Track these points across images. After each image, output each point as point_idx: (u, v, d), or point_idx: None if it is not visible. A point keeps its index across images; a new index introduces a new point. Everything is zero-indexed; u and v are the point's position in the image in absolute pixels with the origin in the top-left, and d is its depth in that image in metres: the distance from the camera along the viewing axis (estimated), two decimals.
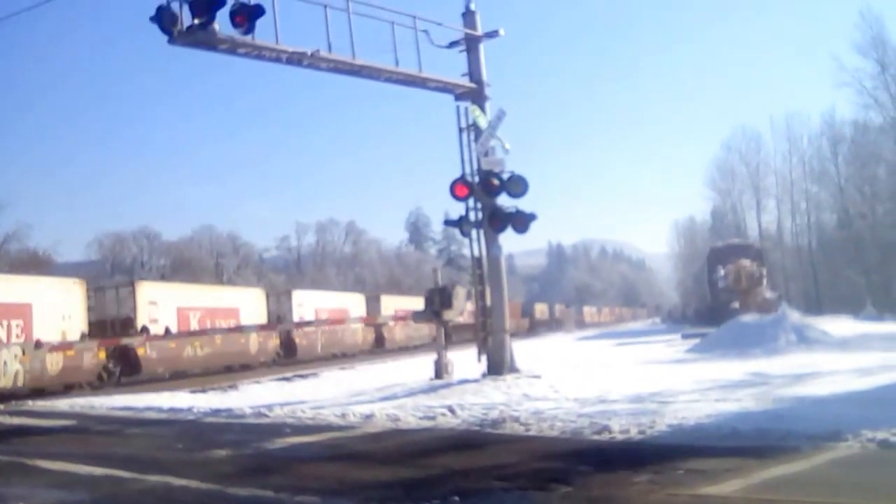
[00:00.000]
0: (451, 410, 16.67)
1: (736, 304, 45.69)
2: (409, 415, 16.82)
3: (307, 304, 53.74)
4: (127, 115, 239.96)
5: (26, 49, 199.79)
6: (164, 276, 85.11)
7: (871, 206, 77.22)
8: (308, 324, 45.14)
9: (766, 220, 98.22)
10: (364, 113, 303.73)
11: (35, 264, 68.27)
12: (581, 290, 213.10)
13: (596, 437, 12.76)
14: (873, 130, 77.28)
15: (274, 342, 46.90)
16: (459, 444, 13.46)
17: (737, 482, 9.13)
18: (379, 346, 59.96)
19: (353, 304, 60.43)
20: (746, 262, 50.88)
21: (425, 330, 57.30)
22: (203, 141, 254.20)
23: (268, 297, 50.60)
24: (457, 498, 9.19)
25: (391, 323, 59.04)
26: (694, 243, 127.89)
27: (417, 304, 57.08)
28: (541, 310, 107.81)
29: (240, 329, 41.31)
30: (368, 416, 17.12)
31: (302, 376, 32.04)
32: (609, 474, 10.10)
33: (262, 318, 46.45)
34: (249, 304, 47.44)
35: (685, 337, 43.24)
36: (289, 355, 48.40)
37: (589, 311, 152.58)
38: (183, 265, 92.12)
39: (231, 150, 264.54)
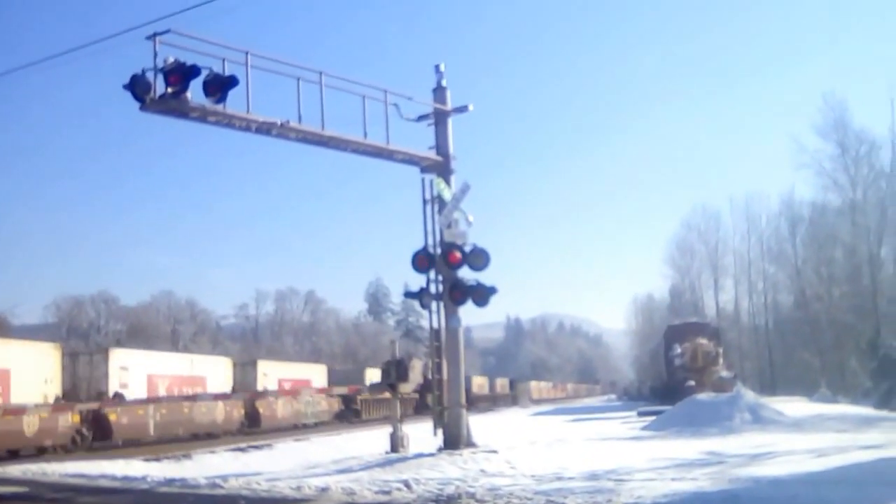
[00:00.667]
0: (407, 485, 16.46)
1: (692, 383, 45.61)
2: (365, 489, 16.61)
3: (271, 373, 54.14)
4: (91, 181, 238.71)
5: None
6: (119, 342, 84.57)
7: (828, 288, 77.59)
8: (271, 393, 45.47)
9: (724, 299, 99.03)
10: (327, 185, 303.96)
11: None
12: (537, 365, 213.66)
13: None
14: (831, 212, 77.89)
15: (239, 411, 46.31)
16: None
17: None
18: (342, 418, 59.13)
19: (315, 374, 61.11)
20: (703, 341, 50.98)
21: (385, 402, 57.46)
22: (165, 208, 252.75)
23: (234, 365, 51.13)
24: None
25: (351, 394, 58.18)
26: (652, 320, 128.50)
27: (374, 375, 57.75)
28: (501, 384, 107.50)
29: (208, 397, 41.47)
30: (324, 489, 16.85)
31: (257, 447, 31.65)
32: None
33: (227, 387, 46.92)
34: (216, 373, 48.12)
35: (641, 414, 43.22)
36: (253, 424, 47.94)
37: (545, 386, 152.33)
38: (139, 330, 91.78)
39: (194, 217, 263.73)
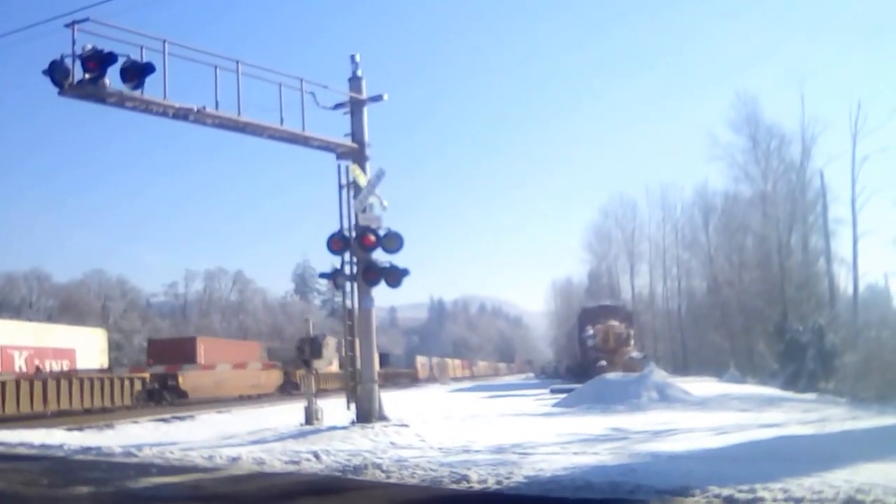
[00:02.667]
0: (316, 456, 16.45)
1: (603, 363, 46.07)
2: (276, 458, 16.56)
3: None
4: (20, 156, 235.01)
5: None
6: (51, 318, 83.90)
7: (739, 274, 79.11)
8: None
9: (639, 284, 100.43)
10: (257, 167, 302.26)
11: None
12: (459, 344, 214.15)
13: (454, 487, 12.61)
14: (743, 202, 79.49)
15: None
16: (318, 489, 13.30)
17: None
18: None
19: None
20: (615, 323, 51.54)
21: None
22: (99, 187, 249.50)
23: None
24: None
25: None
26: (570, 303, 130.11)
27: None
28: (421, 362, 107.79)
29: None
30: (235, 459, 16.81)
31: (180, 418, 31.54)
32: None
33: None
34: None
35: (553, 391, 43.55)
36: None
37: (465, 363, 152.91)
38: (70, 307, 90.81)
39: (127, 196, 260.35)
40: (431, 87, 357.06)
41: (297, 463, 16.01)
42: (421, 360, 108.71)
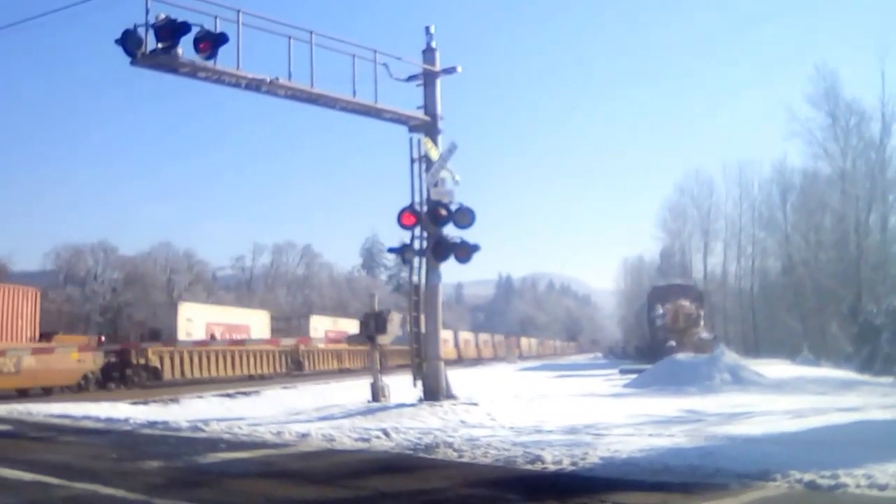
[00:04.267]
0: (386, 433, 16.44)
1: (672, 343, 45.82)
2: (345, 435, 16.58)
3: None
4: (92, 129, 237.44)
5: None
6: (115, 290, 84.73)
7: (815, 253, 77.79)
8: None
9: (712, 263, 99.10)
10: (328, 140, 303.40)
11: None
12: (525, 322, 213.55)
13: (528, 467, 12.54)
14: (822, 180, 77.95)
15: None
16: (390, 467, 13.27)
17: None
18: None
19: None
20: (685, 303, 51.22)
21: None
22: (167, 159, 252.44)
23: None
24: None
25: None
26: (640, 282, 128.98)
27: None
28: (484, 340, 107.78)
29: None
30: (304, 435, 16.89)
31: (245, 393, 31.78)
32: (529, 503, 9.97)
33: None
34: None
35: (623, 372, 43.31)
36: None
37: (533, 342, 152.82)
38: (136, 279, 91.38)
39: (196, 169, 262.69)
40: (504, 58, 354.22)
41: (367, 440, 16.01)
42: (483, 338, 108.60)
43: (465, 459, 13.54)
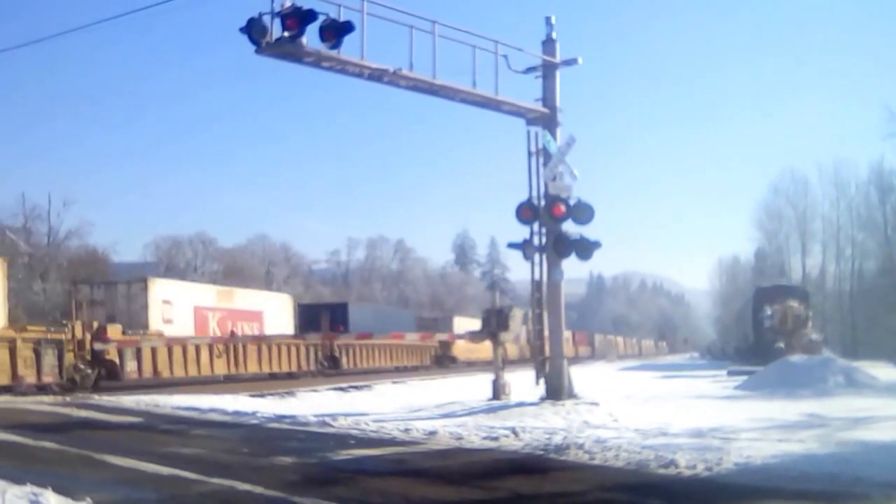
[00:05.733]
0: (514, 433, 16.31)
1: (781, 345, 45.18)
2: (472, 434, 16.54)
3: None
4: (195, 123, 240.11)
5: (103, 51, 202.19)
6: (216, 282, 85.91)
7: None
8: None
9: (810, 264, 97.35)
10: (418, 135, 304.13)
11: (93, 262, 69.03)
12: (618, 321, 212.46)
13: (662, 472, 12.32)
14: None
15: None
16: (524, 468, 13.17)
17: None
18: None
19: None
20: (794, 304, 50.52)
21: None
22: (263, 154, 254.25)
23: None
24: None
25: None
26: (735, 282, 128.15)
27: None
28: (581, 339, 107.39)
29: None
30: (432, 433, 16.86)
31: (357, 388, 31.96)
32: None
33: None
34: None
35: (731, 374, 42.51)
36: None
37: (630, 342, 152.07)
38: (235, 271, 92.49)
39: (290, 164, 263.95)
40: (621, 51, 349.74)
41: (495, 439, 15.92)
42: (580, 336, 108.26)
43: (596, 462, 13.35)
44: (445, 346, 59.84)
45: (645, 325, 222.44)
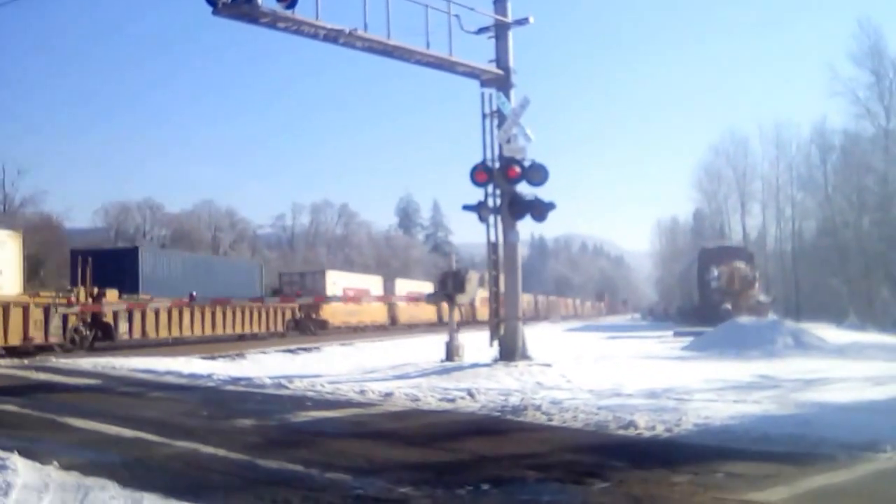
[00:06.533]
0: (470, 394, 16.24)
1: (728, 306, 45.51)
2: (428, 395, 16.46)
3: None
4: (139, 92, 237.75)
5: (51, 16, 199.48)
6: (164, 246, 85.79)
7: (858, 215, 76.65)
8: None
9: (750, 225, 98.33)
10: (361, 100, 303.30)
11: (48, 228, 69.26)
12: (560, 283, 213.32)
13: (622, 433, 12.30)
14: (864, 140, 76.55)
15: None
16: (483, 430, 13.08)
17: (781, 489, 8.66)
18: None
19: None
20: (741, 265, 50.90)
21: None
22: (207, 120, 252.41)
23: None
24: (491, 486, 8.80)
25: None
26: (675, 243, 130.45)
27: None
28: (526, 300, 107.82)
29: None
30: (388, 395, 16.76)
31: (306, 349, 31.92)
32: (645, 472, 9.65)
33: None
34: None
35: (678, 335, 42.76)
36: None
37: (572, 303, 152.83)
38: (182, 237, 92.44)
39: (234, 129, 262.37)
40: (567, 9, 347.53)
41: (451, 401, 15.87)
42: (526, 298, 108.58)
43: (555, 423, 13.32)
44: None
45: (586, 287, 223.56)
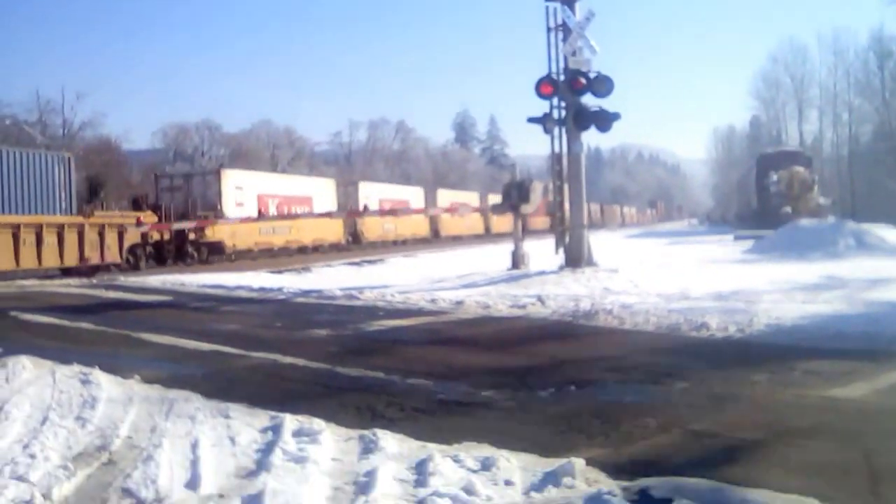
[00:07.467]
0: (540, 300, 16.17)
1: (788, 209, 45.04)
2: (499, 302, 16.40)
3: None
4: (199, 13, 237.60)
5: None
6: (222, 166, 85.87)
7: None
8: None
9: (807, 131, 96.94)
10: (413, 16, 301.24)
11: (107, 150, 69.48)
12: (617, 192, 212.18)
13: (695, 334, 12.18)
14: None
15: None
16: (557, 334, 13.04)
17: (861, 385, 8.57)
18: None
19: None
20: (800, 169, 50.23)
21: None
22: (265, 42, 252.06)
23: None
24: (573, 387, 8.72)
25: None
26: (731, 150, 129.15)
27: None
28: (590, 208, 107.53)
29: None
30: (459, 303, 16.71)
31: (370, 262, 31.92)
32: (723, 371, 9.55)
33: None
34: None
35: (738, 238, 42.40)
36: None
37: (631, 211, 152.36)
38: (241, 156, 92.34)
39: (290, 49, 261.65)
40: None
41: (522, 307, 15.79)
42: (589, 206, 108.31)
43: (626, 326, 13.24)
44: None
45: (642, 196, 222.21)
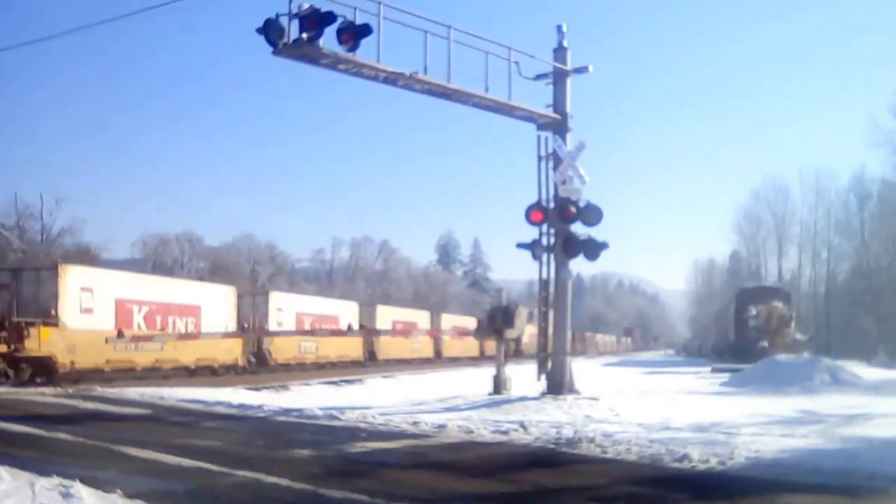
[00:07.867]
0: (523, 426, 16.22)
1: (764, 343, 45.40)
2: (481, 427, 16.41)
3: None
4: (182, 123, 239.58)
5: (95, 53, 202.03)
6: (202, 279, 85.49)
7: (893, 259, 76.70)
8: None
9: (785, 267, 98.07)
10: (400, 137, 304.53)
11: (87, 258, 69.29)
12: (595, 319, 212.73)
13: (677, 465, 12.24)
14: None
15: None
16: (540, 461, 13.05)
17: None
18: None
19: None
20: (778, 304, 50.75)
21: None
22: (251, 152, 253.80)
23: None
24: None
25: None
26: (711, 283, 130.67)
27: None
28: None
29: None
30: (441, 426, 16.67)
31: (349, 382, 31.90)
32: None
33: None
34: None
35: (715, 371, 42.77)
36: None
37: (609, 339, 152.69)
38: (221, 269, 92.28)
39: (274, 163, 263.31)
40: (625, 58, 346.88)
41: (505, 433, 15.81)
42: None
43: (609, 455, 13.27)
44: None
45: (621, 324, 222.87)
